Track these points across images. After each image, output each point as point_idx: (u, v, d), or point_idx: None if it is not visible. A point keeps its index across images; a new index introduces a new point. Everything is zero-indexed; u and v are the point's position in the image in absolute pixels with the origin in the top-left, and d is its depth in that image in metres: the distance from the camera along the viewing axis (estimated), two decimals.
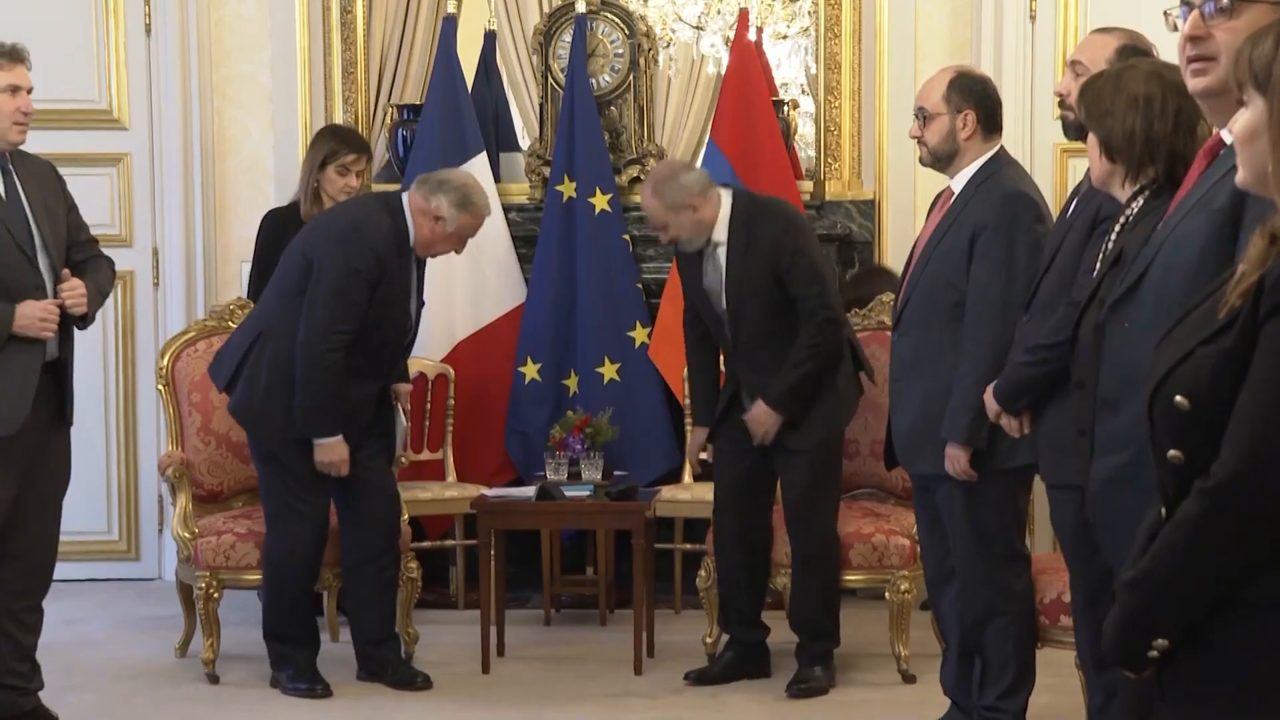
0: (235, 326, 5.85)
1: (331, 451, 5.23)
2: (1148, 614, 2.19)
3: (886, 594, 5.56)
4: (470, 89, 6.94)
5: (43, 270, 4.70)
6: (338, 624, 6.05)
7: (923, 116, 4.63)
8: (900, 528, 5.55)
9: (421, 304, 5.54)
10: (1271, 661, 2.12)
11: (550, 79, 6.90)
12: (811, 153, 7.13)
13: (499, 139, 7.29)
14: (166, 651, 5.93)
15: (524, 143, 7.33)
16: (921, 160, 4.78)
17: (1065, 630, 4.53)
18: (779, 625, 5.52)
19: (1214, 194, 2.81)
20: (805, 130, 7.47)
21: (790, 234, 5.38)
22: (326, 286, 5.18)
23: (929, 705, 4.99)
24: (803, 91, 7.77)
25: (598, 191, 6.63)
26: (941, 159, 4.64)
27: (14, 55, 4.63)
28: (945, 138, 4.60)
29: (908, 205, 6.82)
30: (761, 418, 5.34)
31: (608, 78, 6.85)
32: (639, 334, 6.61)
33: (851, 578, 5.56)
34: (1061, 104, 4.28)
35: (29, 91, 4.66)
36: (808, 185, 6.89)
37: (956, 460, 4.46)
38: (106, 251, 7.02)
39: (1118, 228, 3.44)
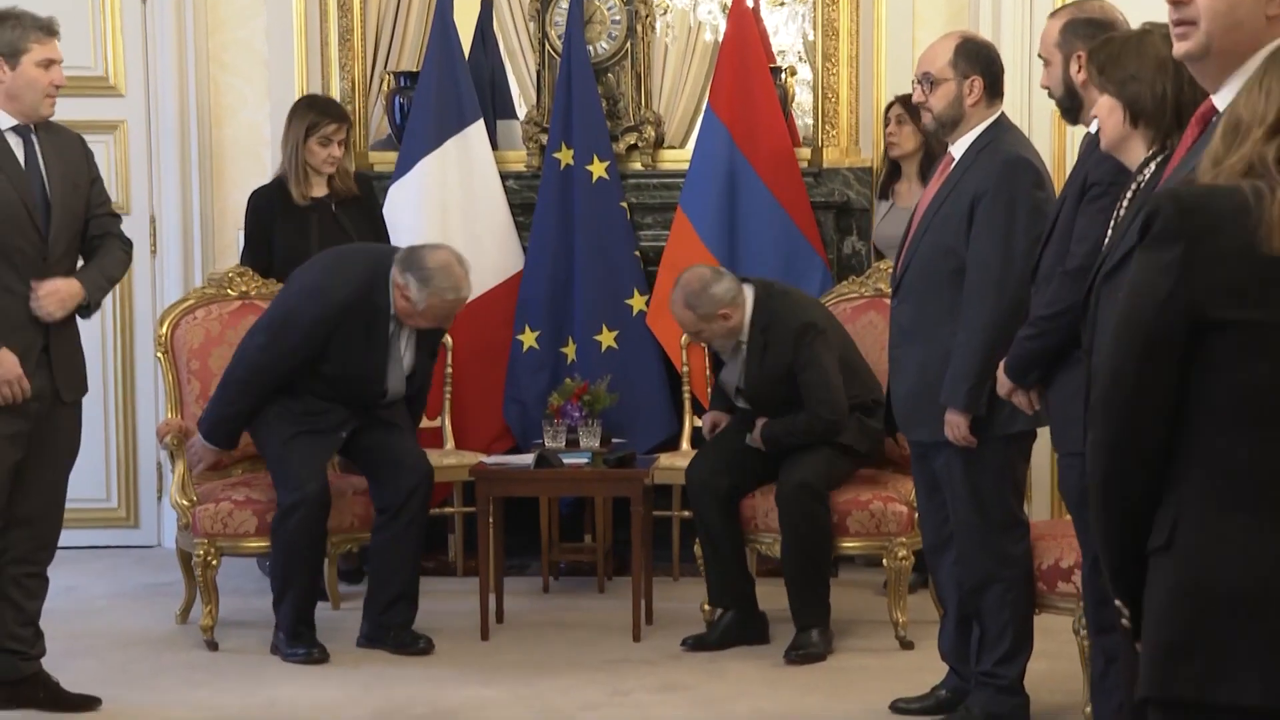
0: (234, 294, 5.88)
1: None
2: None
3: (884, 561, 5.57)
4: (467, 56, 6.91)
5: (50, 241, 4.69)
6: (338, 591, 6.07)
7: (928, 82, 4.60)
8: (898, 495, 5.56)
9: (421, 372, 5.72)
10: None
11: (547, 46, 6.88)
12: (809, 120, 7.11)
13: (496, 106, 7.27)
14: (166, 618, 5.95)
15: (521, 110, 7.31)
16: (924, 127, 4.78)
17: (1063, 596, 4.56)
18: (777, 593, 5.53)
19: None
20: (803, 98, 7.45)
21: (804, 340, 5.51)
22: (269, 319, 5.53)
23: (927, 671, 5.01)
24: (800, 59, 7.73)
25: (595, 159, 6.62)
26: (946, 125, 4.62)
27: (51, 29, 4.68)
28: (952, 103, 4.58)
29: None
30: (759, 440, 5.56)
31: (605, 44, 6.83)
32: (637, 302, 6.61)
33: (849, 544, 5.57)
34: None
35: (60, 64, 4.69)
36: (805, 152, 6.88)
37: (956, 427, 4.47)
38: None
39: (1129, 195, 3.43)
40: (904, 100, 6.03)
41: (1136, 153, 3.54)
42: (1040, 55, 4.33)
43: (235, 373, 5.54)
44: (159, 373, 7.06)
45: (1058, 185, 4.51)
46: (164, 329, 6.02)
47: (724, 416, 5.79)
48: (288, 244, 6.15)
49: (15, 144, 4.68)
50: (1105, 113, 3.56)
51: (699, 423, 5.82)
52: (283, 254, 6.15)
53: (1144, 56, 3.52)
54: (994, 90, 4.61)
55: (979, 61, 4.58)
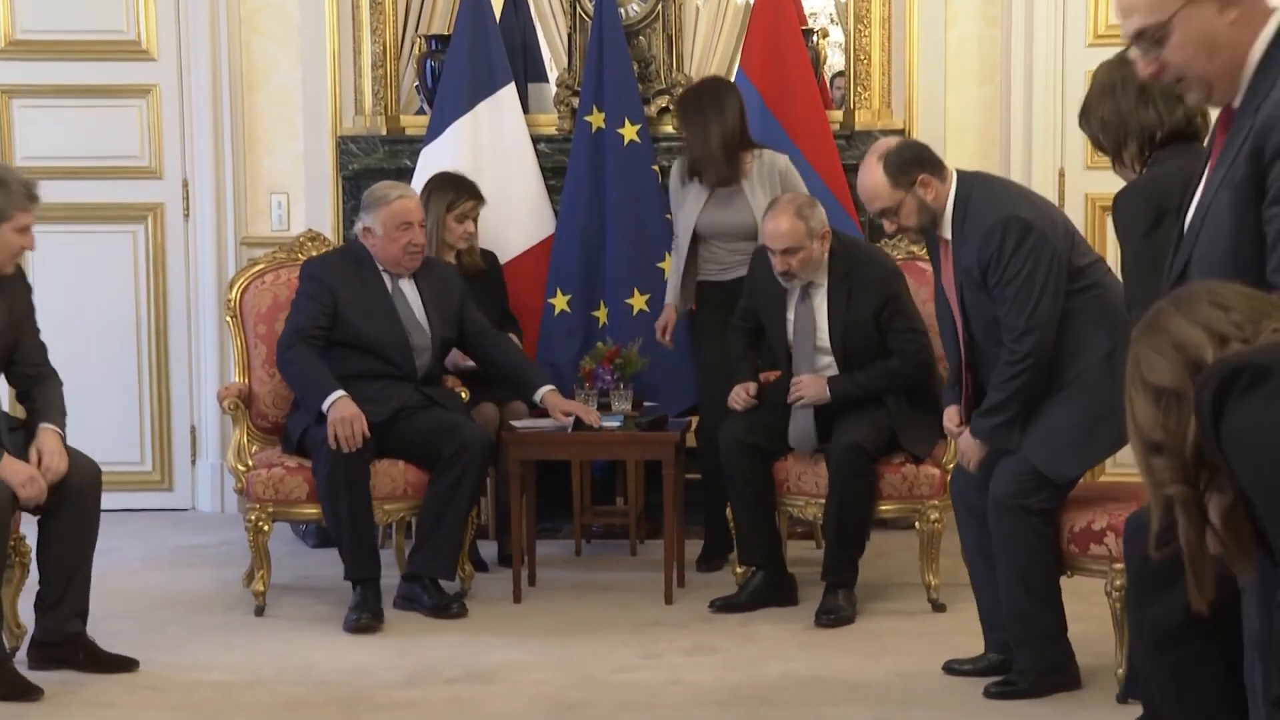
0: (304, 259, 5.96)
1: (339, 409, 5.40)
2: None
3: (916, 524, 5.57)
4: (499, 19, 6.90)
5: None
6: (405, 559, 6.08)
7: (890, 213, 4.69)
8: (930, 457, 5.56)
9: (470, 321, 5.88)
10: None
11: (579, 8, 6.87)
12: (841, 82, 7.08)
13: (527, 70, 7.25)
14: (201, 581, 6.00)
15: (552, 73, 7.30)
16: (912, 243, 4.99)
17: (1095, 559, 4.55)
18: (806, 555, 5.54)
19: (1234, 169, 2.86)
20: (834, 59, 7.42)
21: (890, 281, 5.58)
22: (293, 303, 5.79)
23: (959, 634, 5.03)
24: (832, 20, 7.71)
25: (626, 122, 6.60)
26: (929, 227, 4.71)
27: (33, 196, 4.83)
28: (920, 211, 4.67)
29: (938, 134, 6.78)
30: (810, 387, 5.49)
31: (636, 7, 6.82)
32: (668, 264, 6.60)
33: (882, 508, 5.56)
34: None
35: (32, 227, 4.85)
36: (837, 115, 6.86)
37: (972, 453, 4.62)
38: (137, 183, 7.11)
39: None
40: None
41: (1125, 171, 4.04)
42: None
43: (280, 344, 5.68)
44: (193, 335, 7.15)
45: None
46: (233, 293, 6.04)
47: (753, 386, 5.74)
48: None
49: None
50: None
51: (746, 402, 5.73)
52: None
53: (1093, 88, 4.10)
54: (937, 170, 4.67)
55: (911, 163, 4.64)
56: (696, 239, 6.13)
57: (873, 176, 4.69)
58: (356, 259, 5.76)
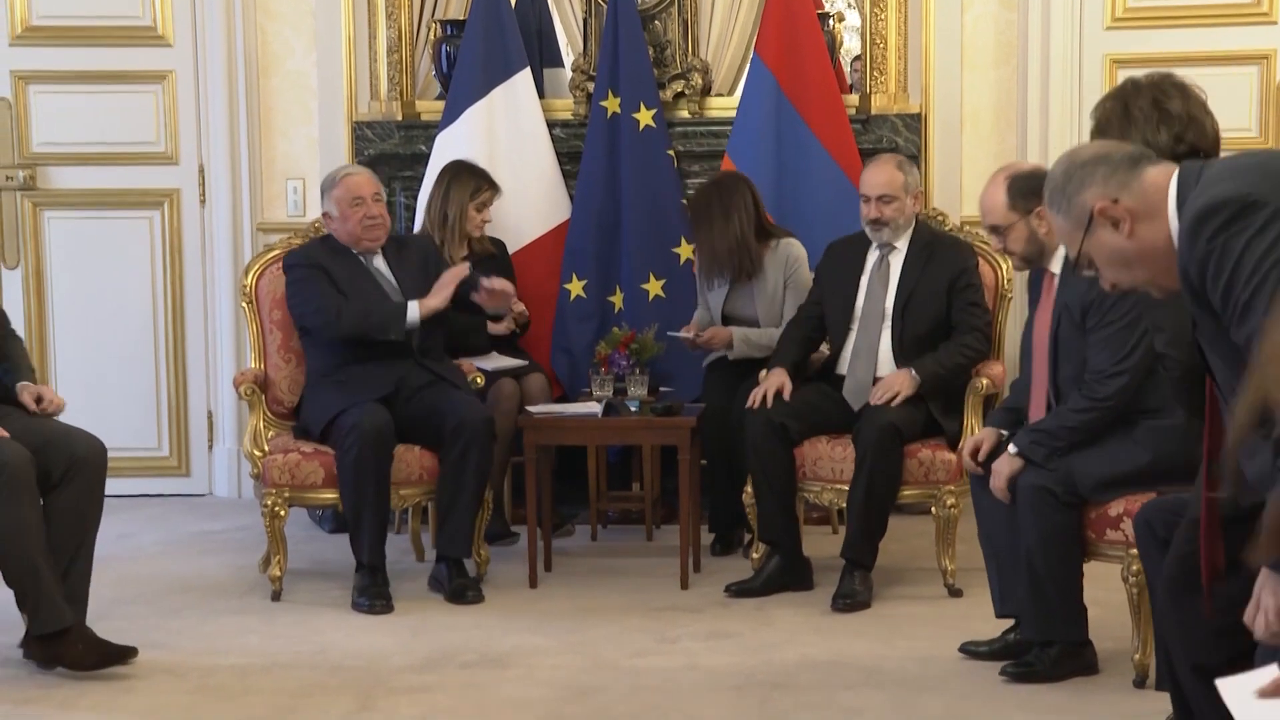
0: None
1: (435, 299, 5.69)
2: None
3: (933, 509, 5.56)
4: (514, 4, 6.89)
5: None
6: (421, 544, 6.12)
7: (998, 232, 4.71)
8: (946, 443, 5.55)
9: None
10: None
11: None
12: (857, 66, 7.06)
13: (543, 54, 7.24)
14: (217, 566, 6.01)
15: (568, 58, 7.29)
16: (1015, 268, 4.92)
17: (1112, 544, 4.54)
18: (822, 542, 5.53)
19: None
20: (851, 44, 7.40)
21: (969, 255, 5.72)
22: (293, 296, 5.82)
23: (975, 619, 5.02)
24: (848, 4, 7.70)
25: (642, 107, 6.59)
26: (1033, 259, 4.73)
27: None
28: (1029, 240, 4.70)
29: (954, 119, 6.77)
30: (900, 381, 5.50)
31: None
32: (684, 250, 6.58)
33: (900, 493, 5.54)
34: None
35: None
36: (853, 99, 6.84)
37: (1004, 468, 4.60)
38: (153, 169, 7.12)
39: None
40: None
41: None
42: None
43: (319, 323, 5.69)
44: (209, 320, 7.16)
45: None
46: (249, 279, 6.02)
47: (786, 382, 5.65)
48: None
49: None
50: None
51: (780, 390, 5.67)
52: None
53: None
54: None
55: (1034, 193, 4.55)
56: (725, 320, 6.22)
57: (994, 193, 4.74)
58: (330, 246, 5.80)
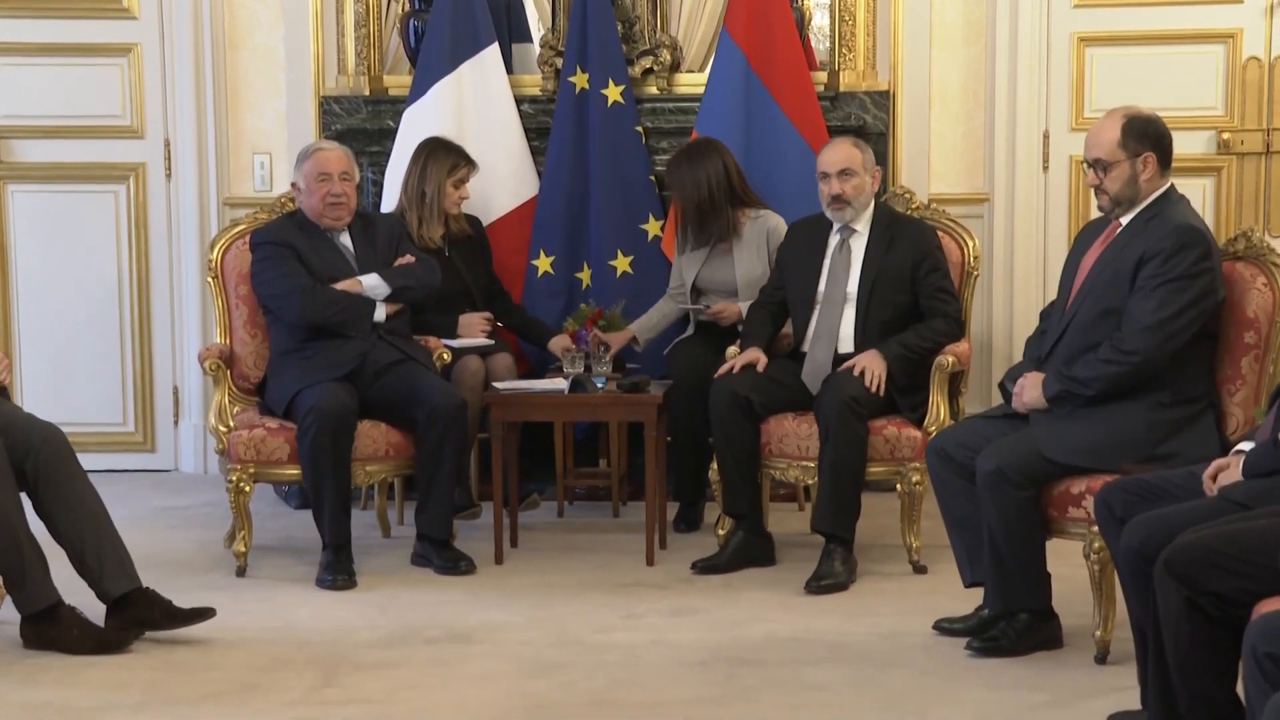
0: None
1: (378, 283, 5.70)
2: None
3: (898, 486, 5.57)
4: None
5: None
6: (387, 520, 6.14)
7: (1101, 167, 4.64)
8: (912, 419, 5.56)
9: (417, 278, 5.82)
10: None
11: None
12: (826, 43, 7.05)
13: (511, 30, 7.20)
14: (183, 542, 6.00)
15: (537, 33, 7.26)
16: (1101, 208, 4.77)
17: (1074, 521, 4.56)
18: (787, 518, 5.54)
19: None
20: (820, 20, 7.39)
21: (931, 237, 5.73)
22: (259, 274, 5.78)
23: (940, 595, 5.04)
24: None
25: (610, 83, 6.58)
26: (1123, 204, 4.67)
27: None
28: (1127, 183, 4.63)
29: (923, 96, 6.77)
30: (873, 362, 5.47)
31: None
32: (652, 226, 6.59)
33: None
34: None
35: None
36: (822, 76, 6.83)
37: (1027, 394, 4.65)
38: (119, 143, 7.06)
39: None
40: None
41: None
42: None
43: (287, 303, 5.66)
44: (175, 295, 7.12)
45: None
46: (214, 254, 6.00)
47: (761, 355, 5.69)
48: None
49: None
50: None
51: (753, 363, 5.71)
52: None
53: None
54: (1165, 163, 4.63)
55: (1148, 137, 4.58)
56: (696, 290, 6.22)
57: (1108, 127, 4.65)
58: (298, 222, 5.80)
